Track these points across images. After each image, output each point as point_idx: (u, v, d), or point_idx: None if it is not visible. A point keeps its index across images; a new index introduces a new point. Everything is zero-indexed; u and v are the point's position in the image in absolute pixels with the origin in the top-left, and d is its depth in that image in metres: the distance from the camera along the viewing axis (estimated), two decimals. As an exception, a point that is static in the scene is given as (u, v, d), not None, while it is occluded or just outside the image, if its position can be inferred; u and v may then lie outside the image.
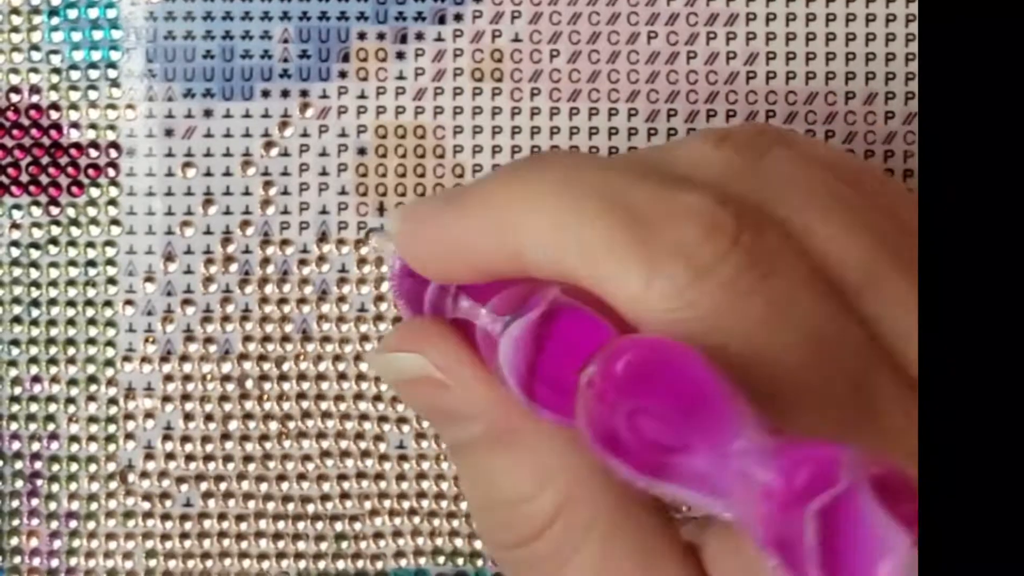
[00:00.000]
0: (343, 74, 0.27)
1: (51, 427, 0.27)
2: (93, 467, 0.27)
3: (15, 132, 0.27)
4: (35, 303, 0.27)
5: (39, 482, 0.27)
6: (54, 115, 0.27)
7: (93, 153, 0.27)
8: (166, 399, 0.27)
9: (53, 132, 0.27)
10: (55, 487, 0.27)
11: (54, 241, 0.27)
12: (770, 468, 0.14)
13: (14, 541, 0.27)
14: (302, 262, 0.27)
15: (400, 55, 0.27)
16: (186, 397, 0.27)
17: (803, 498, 0.13)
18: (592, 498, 0.18)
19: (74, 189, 0.27)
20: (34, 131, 0.27)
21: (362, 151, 0.27)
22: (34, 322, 0.27)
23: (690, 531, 0.18)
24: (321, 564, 0.27)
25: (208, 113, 0.27)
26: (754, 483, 0.14)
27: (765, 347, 0.17)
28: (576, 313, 0.17)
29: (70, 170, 0.27)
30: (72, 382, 0.27)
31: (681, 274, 0.17)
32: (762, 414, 0.15)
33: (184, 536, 0.27)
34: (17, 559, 0.27)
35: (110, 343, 0.27)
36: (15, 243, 0.27)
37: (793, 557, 0.13)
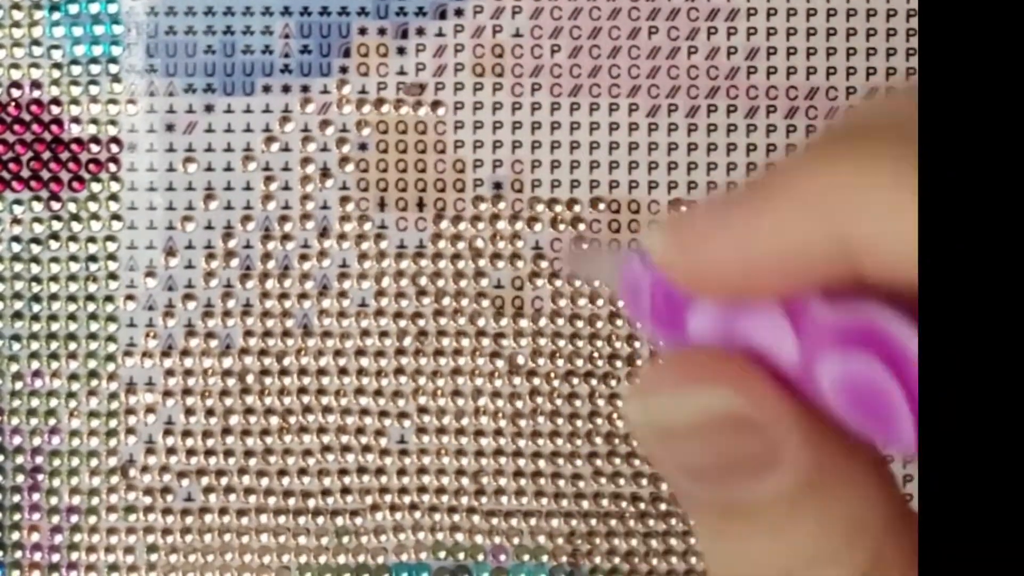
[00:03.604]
0: (344, 69, 0.27)
1: (52, 422, 0.27)
2: (94, 462, 0.27)
3: (16, 127, 0.27)
4: (36, 298, 0.27)
5: (40, 477, 0.27)
6: (55, 110, 0.27)
7: (94, 148, 0.27)
8: (167, 394, 0.27)
9: (54, 127, 0.27)
10: (56, 482, 0.27)
11: (55, 236, 0.27)
12: None
13: (15, 535, 0.27)
14: (303, 257, 0.27)
15: (401, 50, 0.27)
16: (187, 392, 0.27)
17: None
18: (899, 556, 0.16)
19: (75, 184, 0.27)
20: (35, 126, 0.27)
21: (363, 146, 0.27)
22: (35, 317, 0.27)
23: None
24: (322, 559, 0.27)
25: (209, 108, 0.27)
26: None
27: None
28: None
29: (71, 165, 0.27)
30: (73, 377, 0.27)
31: None
32: None
33: (185, 531, 0.27)
34: (19, 553, 0.27)
35: (111, 338, 0.27)
36: (16, 238, 0.27)
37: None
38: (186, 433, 0.27)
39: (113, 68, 0.27)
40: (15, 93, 0.27)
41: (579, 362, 0.27)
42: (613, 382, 0.27)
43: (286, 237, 0.27)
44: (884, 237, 0.15)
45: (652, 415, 0.17)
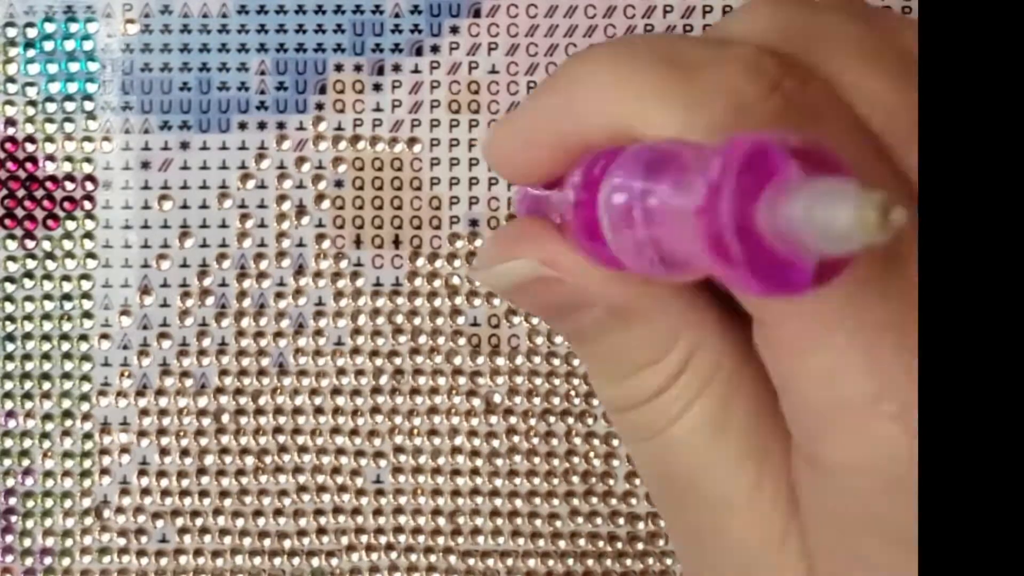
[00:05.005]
0: (320, 106, 0.27)
1: (26, 462, 0.27)
2: (68, 503, 0.27)
3: (-10, 165, 0.27)
4: (10, 337, 0.27)
5: (13, 518, 0.27)
6: (30, 148, 0.27)
7: (69, 186, 0.27)
8: (142, 434, 0.27)
9: (29, 165, 0.27)
10: (30, 523, 0.27)
11: (29, 275, 0.27)
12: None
13: (-12, 578, 0.27)
14: (279, 295, 0.27)
15: (377, 87, 0.27)
16: (162, 432, 0.27)
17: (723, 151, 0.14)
18: (715, 349, 0.19)
19: (50, 222, 0.27)
20: (9, 164, 0.27)
21: (339, 183, 0.27)
22: (9, 357, 0.27)
23: None
24: (298, 600, 0.27)
25: (185, 145, 0.27)
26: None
27: None
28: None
29: (46, 203, 0.27)
30: (47, 417, 0.27)
31: (721, 112, 0.17)
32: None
33: (160, 572, 0.27)
34: (-9, 596, 0.27)
35: (85, 377, 0.27)
36: (-10, 277, 0.27)
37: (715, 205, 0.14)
38: (161, 474, 0.27)
39: (88, 105, 0.27)
40: (-11, 131, 0.27)
41: (556, 400, 0.27)
42: (590, 420, 0.27)
43: (262, 275, 0.27)
44: (600, 107, 0.18)
45: (487, 285, 0.22)
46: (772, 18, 0.19)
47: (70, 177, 0.27)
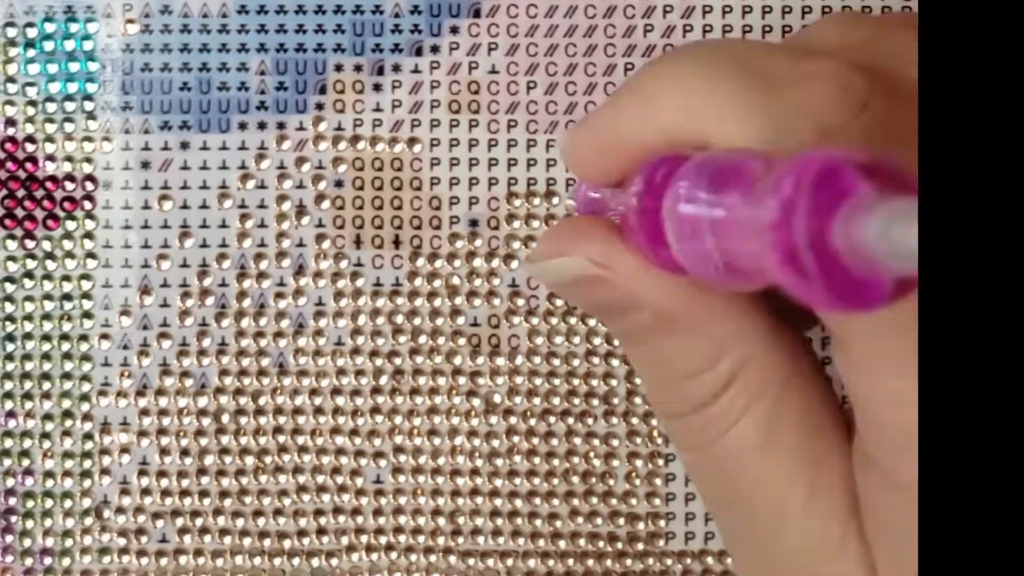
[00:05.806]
0: (320, 106, 0.27)
1: (26, 463, 0.27)
2: (68, 503, 0.27)
3: (-10, 165, 0.27)
4: (10, 337, 0.27)
5: (13, 518, 0.27)
6: (30, 148, 0.27)
7: (69, 186, 0.27)
8: (142, 434, 0.27)
9: (29, 165, 0.27)
10: (30, 523, 0.27)
11: (29, 275, 0.27)
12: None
13: (-12, 578, 0.27)
14: (279, 295, 0.27)
15: (377, 87, 0.27)
16: (162, 432, 0.27)
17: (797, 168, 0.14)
18: (765, 362, 0.19)
19: (50, 222, 0.27)
20: (9, 164, 0.27)
21: (339, 183, 0.27)
22: (9, 357, 0.27)
23: None
24: (298, 600, 0.27)
25: (185, 145, 0.27)
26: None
27: None
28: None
29: (46, 203, 0.27)
30: (47, 417, 0.27)
31: (808, 132, 0.17)
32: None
33: (160, 572, 0.27)
34: (-9, 596, 0.27)
35: (86, 377, 0.27)
36: (-10, 277, 0.27)
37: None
38: (161, 474, 0.27)
39: (88, 105, 0.27)
40: (-11, 131, 0.27)
41: (556, 400, 0.27)
42: (590, 420, 0.27)
43: (262, 275, 0.27)
44: (680, 116, 0.18)
45: (538, 278, 0.24)
46: (850, 34, 0.18)
47: (70, 177, 0.27)
